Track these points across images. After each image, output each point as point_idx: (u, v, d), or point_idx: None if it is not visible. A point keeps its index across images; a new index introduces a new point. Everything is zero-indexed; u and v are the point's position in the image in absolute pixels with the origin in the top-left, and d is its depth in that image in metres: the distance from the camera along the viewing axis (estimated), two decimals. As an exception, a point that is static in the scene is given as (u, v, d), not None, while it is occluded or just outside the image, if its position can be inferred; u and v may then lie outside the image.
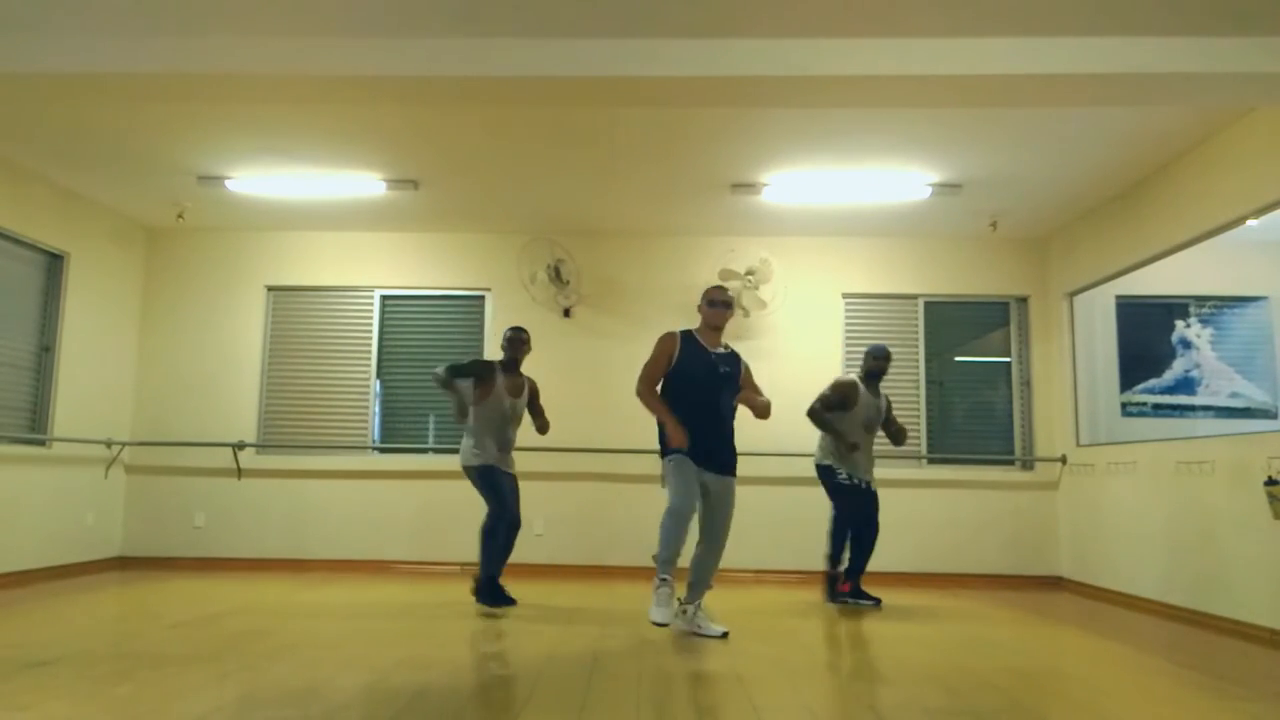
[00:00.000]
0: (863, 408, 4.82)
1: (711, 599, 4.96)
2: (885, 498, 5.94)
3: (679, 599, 3.86)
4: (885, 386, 6.23)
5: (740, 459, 6.00)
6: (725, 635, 3.75)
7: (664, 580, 3.66)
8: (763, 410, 3.95)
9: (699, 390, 3.82)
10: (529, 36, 3.35)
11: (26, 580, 5.32)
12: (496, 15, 3.26)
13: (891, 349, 6.35)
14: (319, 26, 3.33)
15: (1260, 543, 4.10)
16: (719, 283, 3.96)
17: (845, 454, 4.78)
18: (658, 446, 3.93)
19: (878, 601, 4.84)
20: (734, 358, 3.94)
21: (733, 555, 6.04)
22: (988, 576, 6.06)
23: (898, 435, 4.94)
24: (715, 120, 4.50)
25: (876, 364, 4.87)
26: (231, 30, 3.35)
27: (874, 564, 5.96)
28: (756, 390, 3.99)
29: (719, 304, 3.90)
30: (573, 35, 3.34)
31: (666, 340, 3.88)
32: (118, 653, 3.21)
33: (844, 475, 4.81)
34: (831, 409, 4.84)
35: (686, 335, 3.91)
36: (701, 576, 3.84)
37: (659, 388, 3.91)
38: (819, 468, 4.91)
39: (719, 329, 3.93)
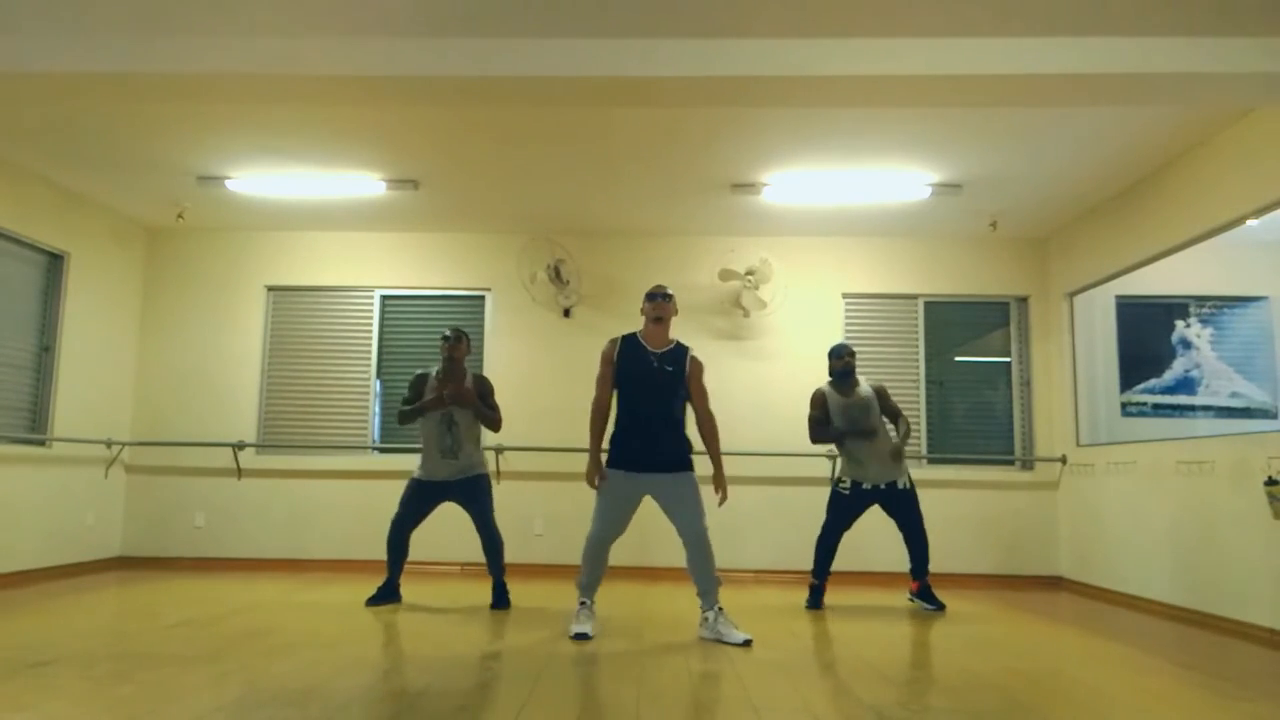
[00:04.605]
0: (835, 413, 4.77)
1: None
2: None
3: (700, 608, 3.84)
4: (885, 386, 6.25)
5: (740, 459, 6.12)
6: (748, 643, 3.62)
7: (583, 604, 3.82)
8: (705, 423, 3.89)
9: (641, 392, 3.80)
10: (529, 36, 3.35)
11: (26, 580, 5.32)
12: (497, 15, 3.26)
13: (891, 349, 6.41)
14: (319, 26, 3.33)
15: (1260, 543, 4.10)
16: (668, 290, 3.93)
17: (854, 457, 4.74)
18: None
19: (940, 606, 4.72)
20: (679, 355, 3.88)
21: (733, 555, 6.08)
22: (988, 576, 6.06)
23: (897, 426, 4.82)
24: (715, 120, 4.50)
25: (841, 363, 4.78)
26: (231, 30, 3.35)
27: (874, 564, 6.00)
28: (702, 393, 3.91)
29: (658, 296, 3.86)
30: (573, 35, 3.34)
31: (606, 349, 3.91)
32: (118, 653, 3.21)
33: (844, 485, 4.78)
34: (821, 421, 4.81)
35: (628, 338, 3.89)
36: (702, 582, 3.77)
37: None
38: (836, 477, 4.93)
39: (660, 320, 3.85)
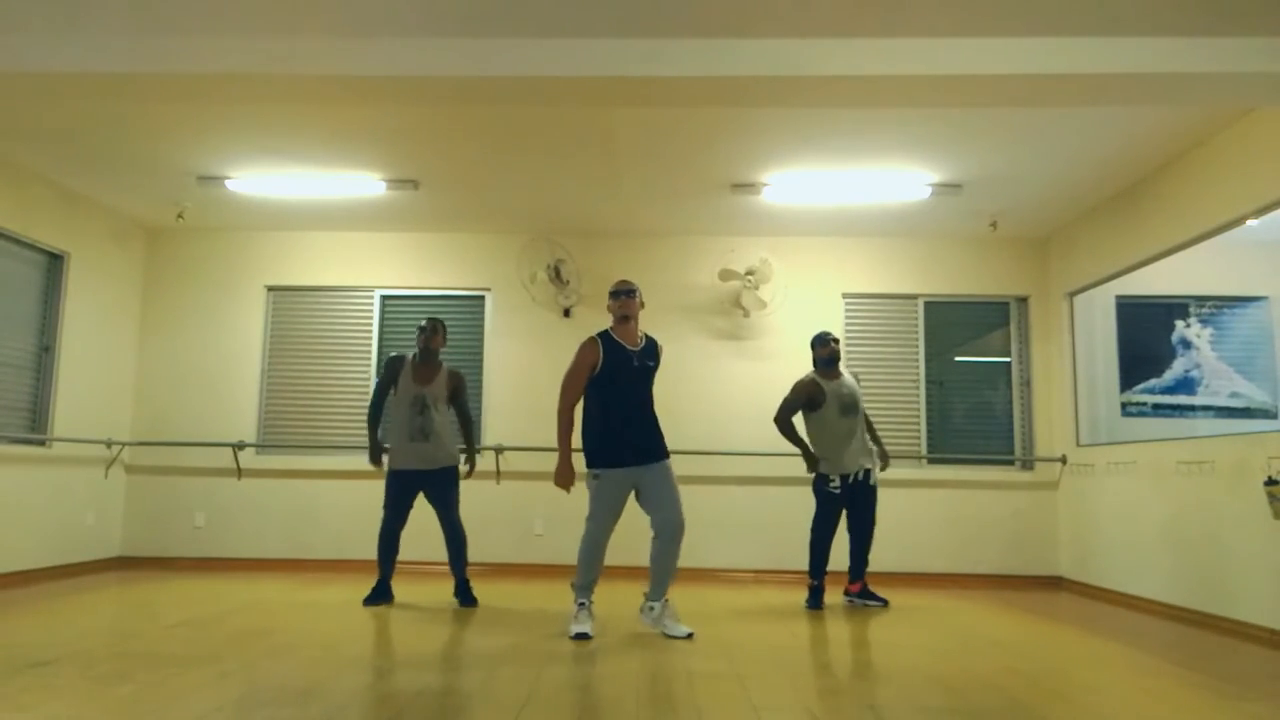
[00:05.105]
0: (832, 397, 4.77)
1: (712, 598, 4.96)
2: (885, 498, 5.93)
3: (644, 594, 3.91)
4: (885, 386, 6.28)
5: (739, 459, 6.13)
6: (690, 636, 3.72)
7: (581, 605, 3.80)
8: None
9: (627, 392, 3.81)
10: (529, 36, 3.35)
11: (26, 580, 5.32)
12: (496, 15, 3.26)
13: (891, 349, 6.41)
14: (319, 26, 3.33)
15: (1260, 543, 4.10)
16: (632, 284, 3.94)
17: (834, 454, 4.75)
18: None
19: (885, 602, 4.85)
20: (654, 349, 3.93)
21: (732, 555, 6.09)
22: (988, 576, 6.06)
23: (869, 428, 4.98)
24: (715, 120, 4.50)
25: (827, 349, 4.82)
26: (231, 30, 3.35)
27: (874, 563, 5.99)
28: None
29: (622, 293, 3.87)
30: (573, 35, 3.34)
31: (588, 350, 3.82)
32: (118, 653, 3.21)
33: (835, 484, 4.74)
34: (794, 411, 4.82)
35: (606, 338, 3.86)
36: (660, 573, 3.80)
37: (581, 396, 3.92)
38: (816, 475, 4.83)
39: (629, 318, 3.87)
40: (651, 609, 3.83)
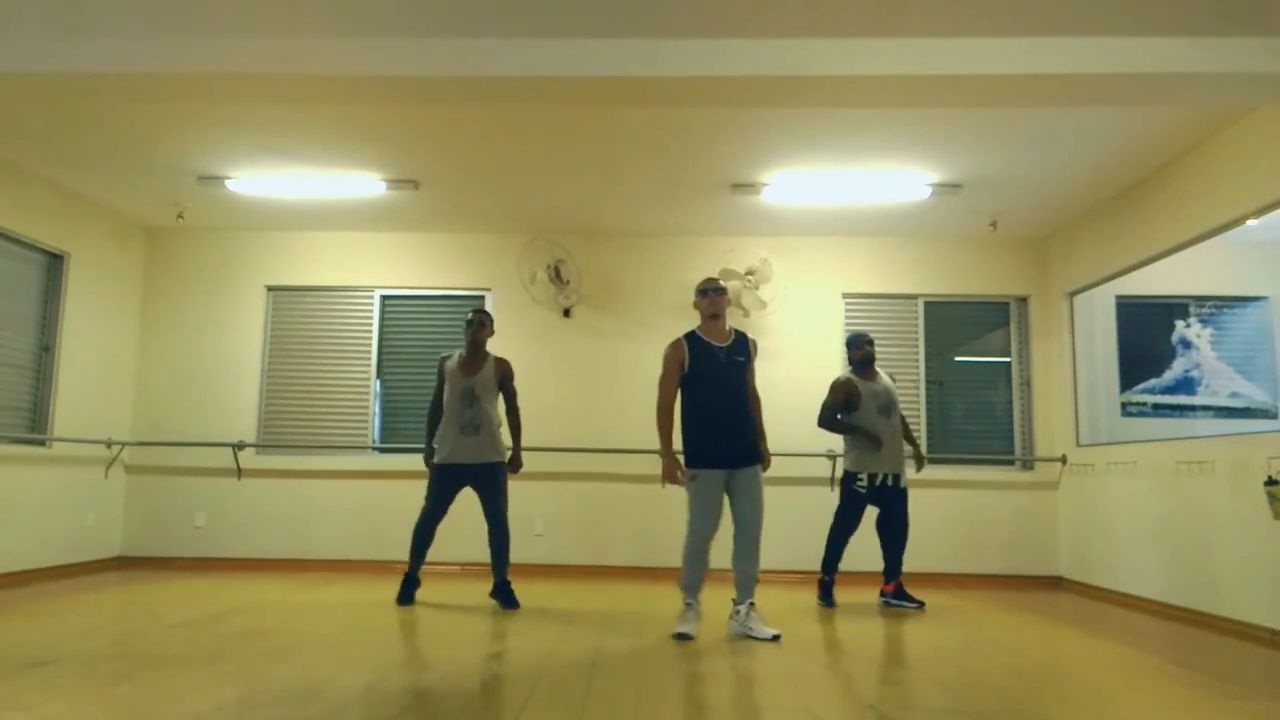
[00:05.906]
0: (869, 397, 4.79)
1: (715, 598, 4.95)
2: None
3: (732, 599, 3.91)
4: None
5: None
6: (777, 638, 3.71)
7: (688, 605, 3.81)
8: (755, 399, 4.02)
9: (718, 390, 3.81)
10: (529, 36, 3.35)
11: (26, 580, 5.32)
12: (496, 15, 3.26)
13: (891, 349, 6.41)
14: (319, 26, 3.33)
15: (1260, 543, 4.10)
16: (720, 282, 3.96)
17: (871, 451, 4.75)
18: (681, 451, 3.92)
19: (921, 604, 4.81)
20: (743, 343, 3.94)
21: (733, 555, 6.08)
22: (988, 576, 6.06)
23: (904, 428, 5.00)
24: (715, 120, 4.50)
25: (861, 352, 4.86)
26: (231, 30, 3.35)
27: (874, 563, 5.99)
28: (753, 372, 4.00)
29: (710, 291, 3.90)
30: (573, 35, 3.34)
31: (674, 350, 3.86)
32: (118, 653, 3.21)
33: (862, 482, 4.76)
34: (835, 413, 4.84)
35: (692, 338, 3.89)
36: (744, 576, 3.81)
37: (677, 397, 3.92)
38: (845, 472, 4.88)
39: (718, 317, 3.90)
40: (738, 612, 3.81)
